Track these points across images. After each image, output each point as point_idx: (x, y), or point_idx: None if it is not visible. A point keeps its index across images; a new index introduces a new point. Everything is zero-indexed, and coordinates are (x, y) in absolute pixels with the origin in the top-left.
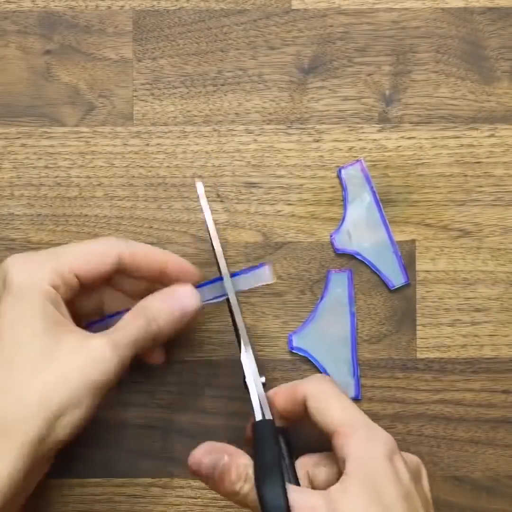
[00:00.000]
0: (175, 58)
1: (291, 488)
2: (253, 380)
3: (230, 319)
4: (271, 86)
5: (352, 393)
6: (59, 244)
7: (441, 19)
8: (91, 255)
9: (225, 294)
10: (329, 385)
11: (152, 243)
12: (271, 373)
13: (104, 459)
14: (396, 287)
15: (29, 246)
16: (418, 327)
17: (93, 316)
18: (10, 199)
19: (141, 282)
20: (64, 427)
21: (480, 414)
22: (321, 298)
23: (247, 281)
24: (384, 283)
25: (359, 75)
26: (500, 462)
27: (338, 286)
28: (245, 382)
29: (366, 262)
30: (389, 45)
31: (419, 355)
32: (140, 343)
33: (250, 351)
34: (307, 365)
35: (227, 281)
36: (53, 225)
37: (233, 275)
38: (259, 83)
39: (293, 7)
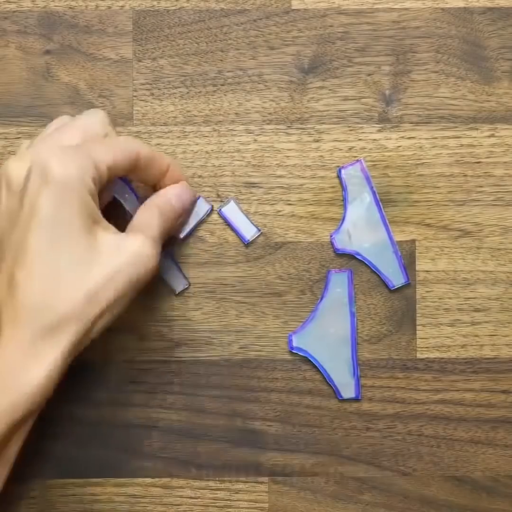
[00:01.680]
0: (175, 58)
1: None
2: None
3: (229, 319)
4: (271, 86)
5: (352, 393)
6: None
7: (441, 19)
8: (120, 150)
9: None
10: None
11: None
12: (271, 373)
13: (104, 459)
14: (396, 287)
15: None
16: (418, 327)
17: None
18: None
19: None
20: (102, 326)
21: (480, 414)
22: (321, 298)
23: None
24: (384, 283)
25: (359, 75)
26: (500, 462)
27: (338, 286)
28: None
29: (366, 262)
30: (389, 45)
31: (419, 355)
32: (165, 236)
33: None
34: (307, 365)
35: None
36: None
37: None
38: (259, 83)
39: (293, 7)
